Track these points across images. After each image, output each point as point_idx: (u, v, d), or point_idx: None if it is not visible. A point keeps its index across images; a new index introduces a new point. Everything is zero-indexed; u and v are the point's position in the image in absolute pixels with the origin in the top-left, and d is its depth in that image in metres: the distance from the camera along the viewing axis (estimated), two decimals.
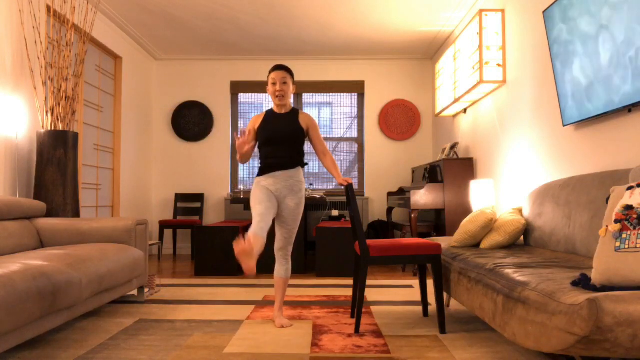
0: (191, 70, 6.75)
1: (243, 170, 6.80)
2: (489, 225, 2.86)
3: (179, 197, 6.57)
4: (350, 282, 4.33)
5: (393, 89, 6.71)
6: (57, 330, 2.72)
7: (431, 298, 3.57)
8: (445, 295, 3.61)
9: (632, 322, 1.39)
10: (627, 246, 1.56)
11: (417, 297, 3.63)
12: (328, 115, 6.85)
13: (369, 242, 2.72)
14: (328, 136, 6.82)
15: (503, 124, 4.14)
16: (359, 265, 2.78)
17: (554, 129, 3.26)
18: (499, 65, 4.10)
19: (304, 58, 6.71)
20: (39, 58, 3.74)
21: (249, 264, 2.33)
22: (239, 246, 2.31)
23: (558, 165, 3.21)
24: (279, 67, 2.89)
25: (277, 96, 2.88)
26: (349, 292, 3.82)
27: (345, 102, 6.84)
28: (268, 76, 2.92)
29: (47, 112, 3.74)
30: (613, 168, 2.64)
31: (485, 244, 2.86)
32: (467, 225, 2.92)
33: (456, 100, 4.80)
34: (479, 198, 4.03)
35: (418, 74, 6.71)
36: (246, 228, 5.19)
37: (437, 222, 5.07)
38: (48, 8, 4.05)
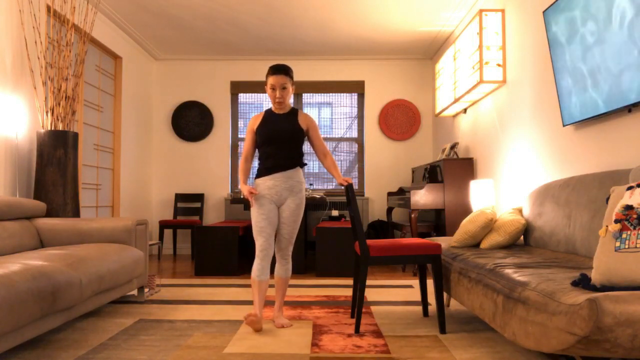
0: (191, 70, 6.75)
1: None
2: (489, 225, 2.86)
3: (179, 197, 6.57)
4: (350, 282, 4.33)
5: (393, 89, 6.71)
6: (57, 330, 2.72)
7: (431, 298, 3.57)
8: (445, 295, 3.61)
9: (632, 322, 1.39)
10: (627, 246, 1.56)
11: (417, 297, 3.63)
12: (328, 115, 6.85)
13: (369, 242, 2.72)
14: (328, 136, 6.82)
15: (503, 124, 4.14)
16: (359, 265, 2.78)
17: (554, 129, 3.26)
18: (499, 65, 4.10)
19: (304, 58, 6.71)
20: (39, 58, 3.74)
21: (258, 328, 2.70)
22: (249, 320, 2.64)
23: (558, 165, 3.21)
24: (277, 71, 2.81)
25: (276, 101, 2.86)
26: (349, 292, 3.82)
27: (345, 102, 6.84)
28: (266, 77, 2.87)
29: (47, 112, 3.74)
30: (613, 168, 2.64)
31: (485, 244, 2.86)
32: (467, 225, 2.92)
33: (456, 100, 4.80)
34: (479, 198, 4.03)
35: (418, 74, 6.71)
36: (246, 229, 5.19)
37: (437, 222, 5.07)
38: (48, 8, 4.05)
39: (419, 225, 4.99)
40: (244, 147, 2.97)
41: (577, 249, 2.41)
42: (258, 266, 2.77)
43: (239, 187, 2.95)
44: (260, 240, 2.79)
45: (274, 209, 2.84)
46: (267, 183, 2.85)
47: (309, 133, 2.95)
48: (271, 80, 2.83)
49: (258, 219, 2.81)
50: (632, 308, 1.40)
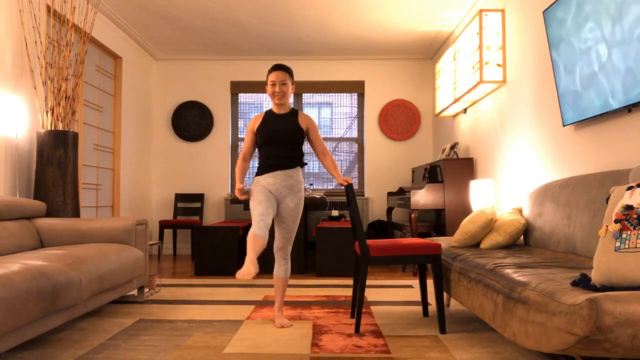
0: (191, 70, 6.75)
1: None
2: (489, 225, 2.86)
3: (179, 197, 6.57)
4: (350, 282, 4.33)
5: (393, 89, 6.71)
6: (57, 330, 2.72)
7: (431, 298, 3.57)
8: (445, 295, 3.61)
9: (632, 322, 1.39)
10: (627, 246, 1.56)
11: (417, 297, 3.63)
12: (328, 115, 6.85)
13: (369, 242, 2.72)
14: (328, 136, 6.82)
15: (503, 124, 4.14)
16: (359, 265, 2.78)
17: (554, 129, 3.26)
18: (499, 65, 4.10)
19: (304, 58, 6.71)
20: (39, 58, 3.74)
21: (250, 275, 2.39)
22: (240, 273, 2.37)
23: (558, 165, 3.21)
24: (278, 68, 2.88)
25: (276, 96, 2.88)
26: (349, 292, 3.82)
27: (345, 102, 6.84)
28: (267, 76, 2.91)
29: (47, 112, 3.74)
30: (613, 168, 2.64)
31: (485, 244, 2.86)
32: (467, 225, 2.92)
33: (456, 100, 4.80)
34: (479, 198, 4.03)
35: (418, 74, 6.71)
36: (246, 229, 5.19)
37: (437, 222, 5.07)
38: (48, 8, 4.05)
39: (419, 225, 4.99)
40: (243, 146, 2.99)
41: (577, 249, 2.41)
42: (256, 226, 2.61)
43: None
44: (258, 209, 2.69)
45: (272, 196, 2.84)
46: (267, 180, 2.86)
47: (308, 133, 2.97)
48: (271, 76, 2.88)
49: (257, 194, 2.79)
50: (632, 308, 1.40)
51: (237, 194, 2.82)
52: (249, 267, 2.38)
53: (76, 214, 3.77)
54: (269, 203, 2.78)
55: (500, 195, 4.18)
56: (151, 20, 5.37)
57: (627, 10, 2.35)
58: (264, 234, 2.59)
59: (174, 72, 6.75)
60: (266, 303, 3.44)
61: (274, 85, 2.88)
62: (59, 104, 3.75)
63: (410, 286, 4.08)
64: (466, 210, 4.69)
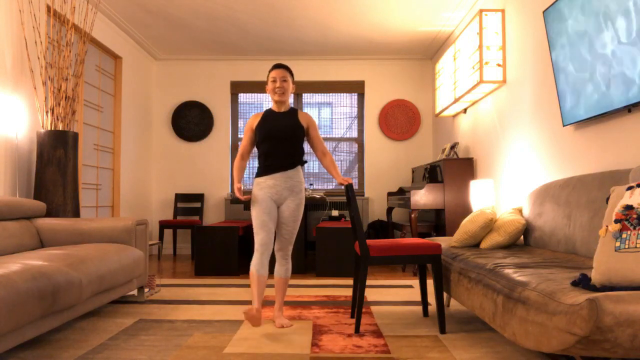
0: (191, 70, 6.75)
1: None
2: (489, 225, 2.86)
3: (179, 197, 6.57)
4: (350, 282, 4.33)
5: (393, 89, 6.71)
6: (57, 330, 2.72)
7: (431, 298, 3.57)
8: (445, 295, 3.61)
9: (632, 322, 1.39)
10: (627, 246, 1.56)
11: (417, 297, 3.63)
12: (328, 115, 6.85)
13: (369, 242, 2.72)
14: (328, 136, 6.82)
15: (503, 124, 4.14)
16: (359, 265, 2.78)
17: (554, 129, 3.26)
18: (499, 65, 4.10)
19: (304, 58, 6.71)
20: (39, 58, 3.74)
21: (257, 324, 2.60)
22: (248, 315, 2.55)
23: (558, 165, 3.21)
24: (279, 66, 2.91)
25: (276, 92, 2.89)
26: (349, 292, 3.82)
27: (345, 102, 6.84)
28: (268, 75, 2.92)
29: (47, 112, 3.74)
30: (613, 168, 2.64)
31: (485, 244, 2.86)
32: (467, 225, 2.92)
33: (456, 100, 4.80)
34: (479, 198, 4.03)
35: (418, 74, 6.71)
36: (246, 229, 5.19)
37: (437, 222, 5.07)
38: (48, 8, 4.05)
39: (419, 225, 4.99)
40: (242, 144, 2.99)
41: (577, 249, 2.41)
42: (257, 260, 2.75)
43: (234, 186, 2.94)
44: (262, 234, 2.78)
45: (274, 205, 2.85)
46: (267, 182, 2.86)
47: (308, 131, 2.97)
48: (272, 73, 2.91)
49: (259, 213, 2.81)
50: (632, 308, 1.40)
51: (236, 193, 2.83)
52: (258, 318, 2.57)
53: (76, 214, 3.77)
54: (272, 223, 2.83)
55: (500, 195, 4.18)
56: (151, 20, 5.37)
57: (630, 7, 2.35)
58: (265, 271, 2.77)
59: (174, 72, 6.75)
60: (266, 303, 3.44)
61: (274, 81, 2.89)
62: (59, 104, 3.75)
63: (410, 286, 4.08)
64: (466, 210, 4.69)
